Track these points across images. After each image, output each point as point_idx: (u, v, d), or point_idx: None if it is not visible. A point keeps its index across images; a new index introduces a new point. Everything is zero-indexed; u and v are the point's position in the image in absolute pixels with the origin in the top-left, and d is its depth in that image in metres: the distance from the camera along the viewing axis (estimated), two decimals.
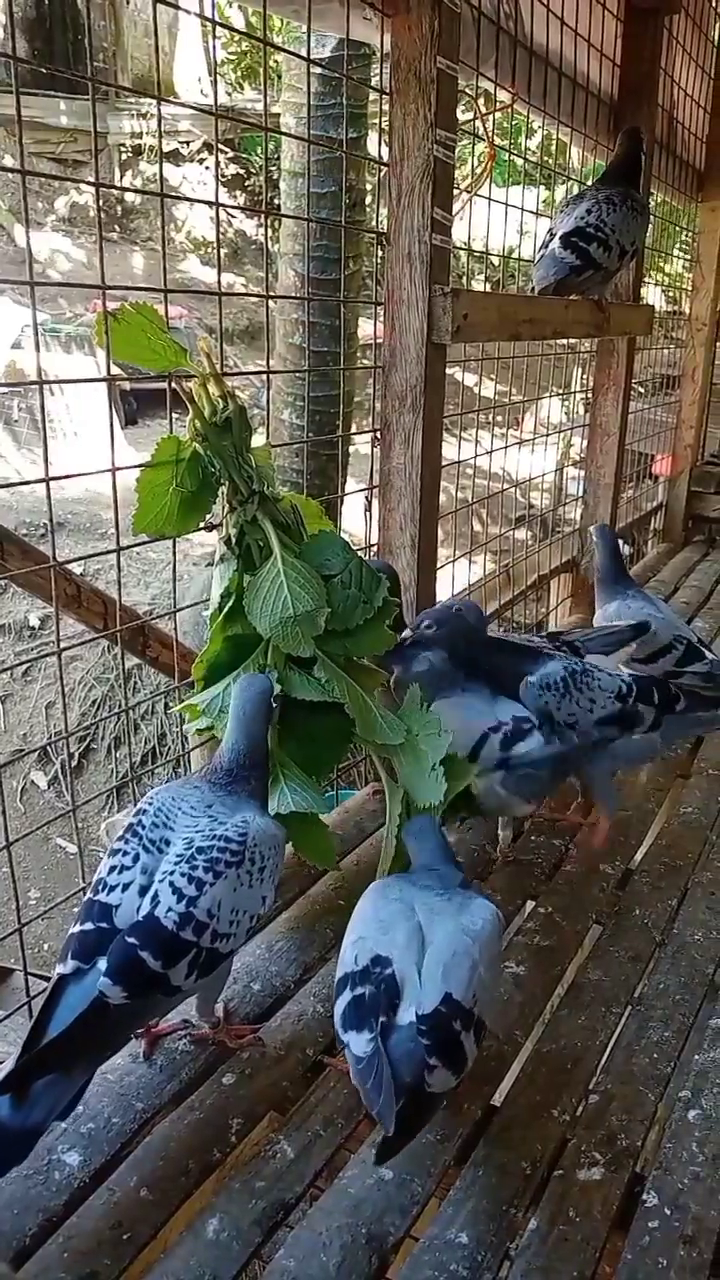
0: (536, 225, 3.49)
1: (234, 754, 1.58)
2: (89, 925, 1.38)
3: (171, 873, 1.41)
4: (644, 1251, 1.34)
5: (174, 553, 2.20)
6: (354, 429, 5.17)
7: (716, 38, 4.90)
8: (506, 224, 3.34)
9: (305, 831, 1.90)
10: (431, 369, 2.34)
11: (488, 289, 5.52)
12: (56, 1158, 1.42)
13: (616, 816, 2.45)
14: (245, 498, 1.82)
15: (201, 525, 1.88)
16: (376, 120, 3.25)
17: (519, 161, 4.26)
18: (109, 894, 1.41)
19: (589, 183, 3.50)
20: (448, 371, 2.54)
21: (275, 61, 5.19)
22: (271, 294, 5.45)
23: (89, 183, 15.01)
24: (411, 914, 1.45)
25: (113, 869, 1.44)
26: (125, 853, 1.45)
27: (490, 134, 2.93)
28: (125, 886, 1.41)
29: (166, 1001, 1.45)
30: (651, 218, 3.74)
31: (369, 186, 5.37)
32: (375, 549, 2.55)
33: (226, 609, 1.85)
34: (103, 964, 1.33)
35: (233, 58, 13.32)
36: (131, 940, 1.35)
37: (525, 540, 5.25)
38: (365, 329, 5.94)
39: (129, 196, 13.06)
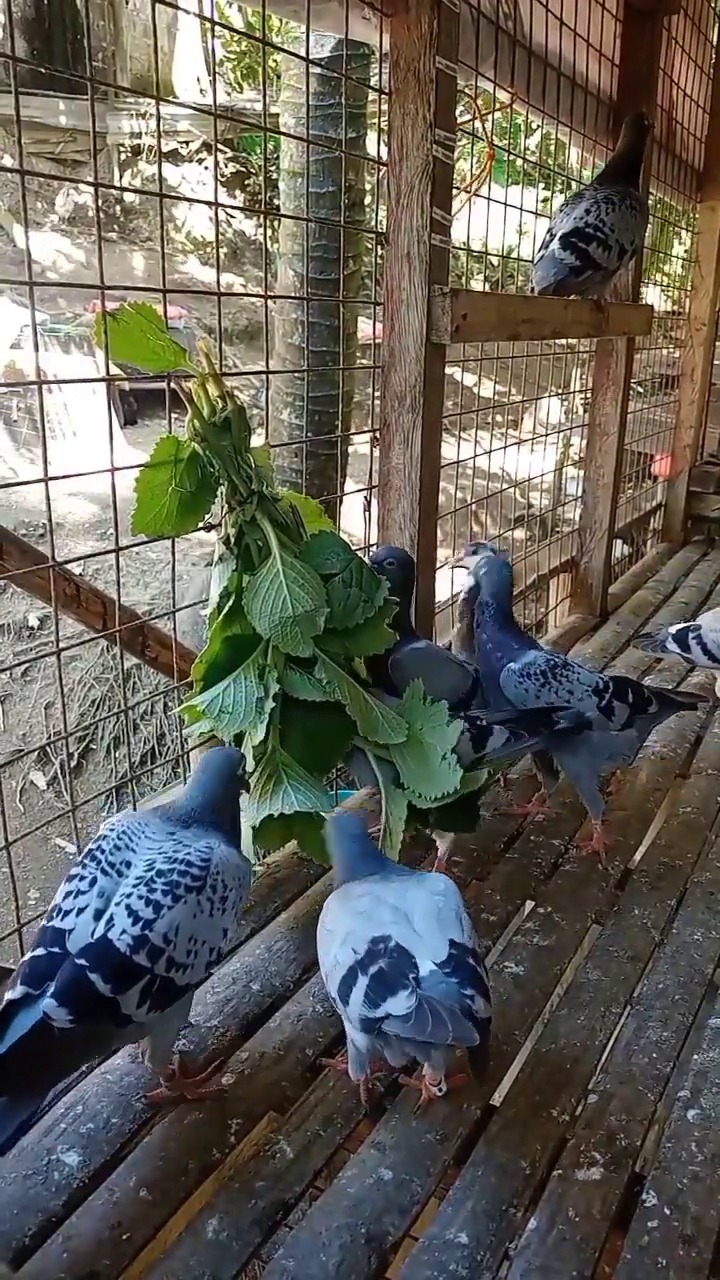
0: (535, 225, 3.49)
1: (189, 810, 1.53)
2: (40, 950, 1.34)
3: (129, 895, 1.36)
4: (643, 1251, 1.34)
5: (173, 553, 2.20)
6: (353, 429, 5.17)
7: (715, 38, 4.90)
8: (506, 224, 3.34)
9: (310, 828, 1.90)
10: (430, 369, 2.34)
11: (487, 289, 5.53)
12: (56, 1158, 1.42)
13: (615, 816, 2.46)
14: (244, 498, 1.82)
15: (200, 525, 1.88)
16: (376, 120, 3.25)
17: (518, 161, 4.26)
18: (63, 919, 1.37)
19: (587, 182, 3.50)
20: (447, 371, 2.55)
21: (274, 61, 5.19)
22: (270, 294, 5.44)
23: (88, 183, 15.00)
24: (382, 899, 1.49)
25: (68, 894, 1.40)
26: (82, 877, 1.41)
27: (489, 134, 2.93)
28: (80, 911, 1.37)
29: (118, 1034, 1.38)
30: (651, 217, 3.74)
31: (368, 186, 5.36)
32: (374, 549, 2.54)
33: (226, 609, 1.85)
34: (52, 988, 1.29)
35: (232, 58, 13.31)
36: (81, 961, 1.30)
37: (524, 540, 5.25)
38: (364, 329, 5.93)
39: (128, 196, 13.05)
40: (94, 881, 1.40)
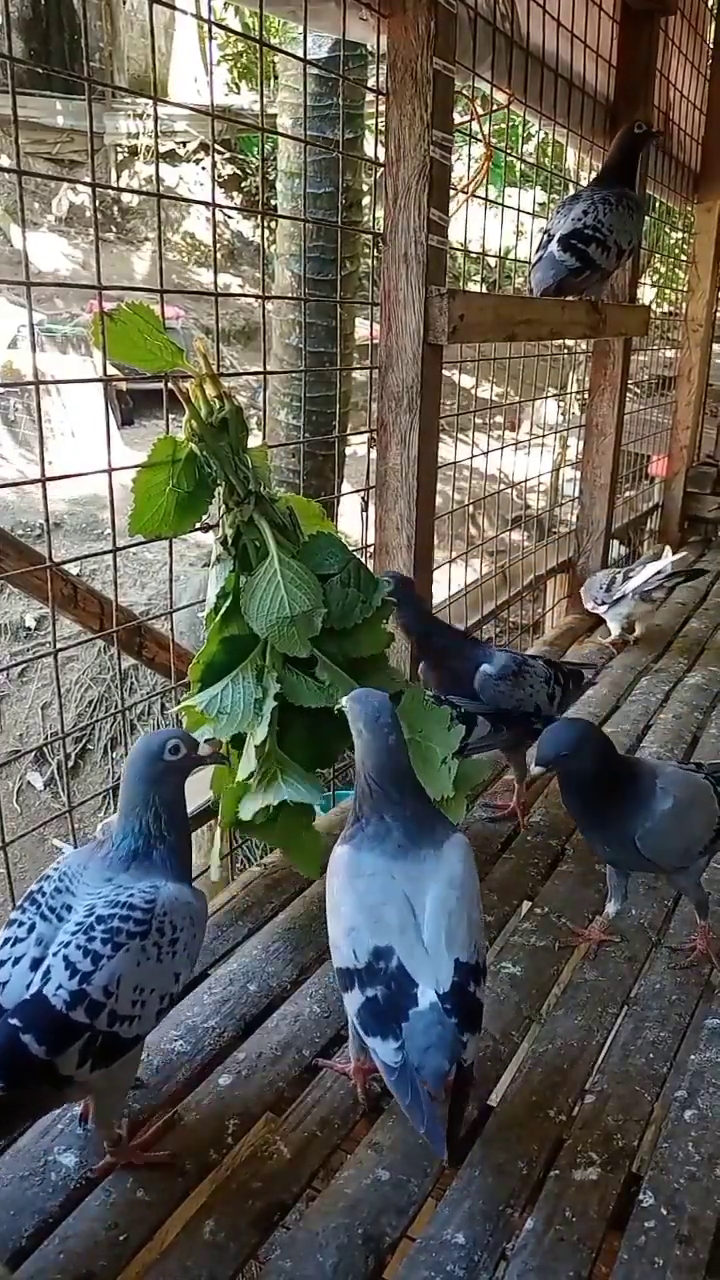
0: (532, 226, 3.50)
1: (124, 845, 1.38)
2: None
3: (67, 944, 1.26)
4: (640, 1251, 1.34)
5: (170, 553, 2.20)
6: (350, 430, 5.17)
7: (712, 39, 4.91)
8: (503, 225, 3.34)
9: (297, 837, 1.91)
10: (428, 370, 2.34)
11: (484, 290, 5.53)
12: (53, 1159, 1.42)
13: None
14: (242, 498, 1.82)
15: (198, 526, 1.88)
16: (373, 121, 3.25)
17: (516, 163, 4.26)
18: None
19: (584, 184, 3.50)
20: (444, 373, 2.55)
21: (272, 62, 5.19)
22: (268, 295, 5.44)
23: (85, 183, 14.99)
24: (394, 888, 1.39)
25: (6, 941, 1.29)
26: (21, 923, 1.30)
27: (487, 135, 2.94)
28: (16, 960, 1.26)
29: (57, 1095, 1.29)
30: (647, 216, 3.75)
31: (365, 187, 5.37)
32: (372, 549, 2.55)
33: (223, 610, 1.85)
34: None
35: (229, 58, 13.29)
36: (13, 1022, 1.20)
37: (521, 541, 5.25)
38: (362, 330, 5.93)
39: (126, 197, 13.05)
40: (32, 928, 1.29)
